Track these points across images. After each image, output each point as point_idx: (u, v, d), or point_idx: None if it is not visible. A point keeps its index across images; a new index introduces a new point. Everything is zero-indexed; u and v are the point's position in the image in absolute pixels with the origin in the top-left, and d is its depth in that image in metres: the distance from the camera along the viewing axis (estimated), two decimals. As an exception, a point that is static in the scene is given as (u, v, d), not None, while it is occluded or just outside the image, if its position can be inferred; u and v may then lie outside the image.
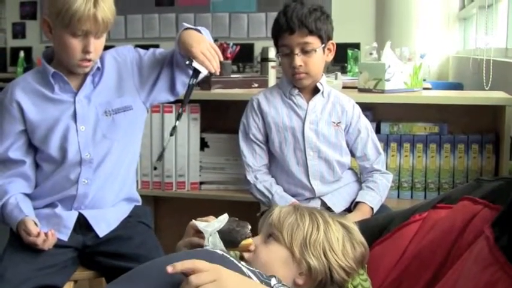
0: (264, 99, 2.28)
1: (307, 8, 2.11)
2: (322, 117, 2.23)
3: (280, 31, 2.14)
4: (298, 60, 2.12)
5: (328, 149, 2.22)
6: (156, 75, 2.04)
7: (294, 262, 1.36)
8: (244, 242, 1.39)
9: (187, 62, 1.92)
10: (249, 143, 2.29)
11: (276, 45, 2.21)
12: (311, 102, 2.23)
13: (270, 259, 1.37)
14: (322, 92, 2.24)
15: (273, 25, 2.19)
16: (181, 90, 2.08)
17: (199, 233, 1.41)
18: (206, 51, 1.89)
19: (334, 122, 2.23)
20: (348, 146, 2.27)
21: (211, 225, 1.39)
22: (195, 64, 1.90)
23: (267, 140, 2.29)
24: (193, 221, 1.44)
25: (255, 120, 2.28)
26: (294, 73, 2.16)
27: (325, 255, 1.36)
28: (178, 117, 1.95)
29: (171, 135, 1.97)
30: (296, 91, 2.24)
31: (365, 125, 2.29)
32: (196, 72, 1.94)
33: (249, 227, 1.42)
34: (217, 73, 1.97)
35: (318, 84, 2.22)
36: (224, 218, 1.42)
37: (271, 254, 1.38)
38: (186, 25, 1.98)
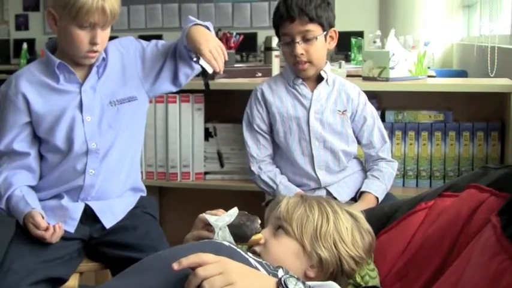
0: (268, 89, 2.27)
1: None
2: (327, 106, 2.21)
3: (281, 20, 2.13)
4: (300, 48, 2.11)
5: (333, 138, 2.21)
6: (160, 67, 2.05)
7: (305, 255, 1.36)
8: (254, 237, 1.38)
9: (194, 59, 1.95)
10: (253, 134, 2.28)
11: (278, 34, 2.20)
12: (315, 91, 2.21)
13: (282, 253, 1.36)
14: (327, 80, 2.22)
15: (273, 14, 2.19)
16: (183, 81, 2.09)
17: (208, 226, 1.39)
18: (214, 50, 1.89)
19: (339, 111, 2.22)
20: (353, 134, 2.26)
21: (221, 220, 1.38)
22: (201, 62, 1.92)
23: (272, 130, 2.28)
24: (203, 214, 1.42)
25: (259, 110, 2.27)
26: (295, 62, 2.14)
27: (335, 247, 1.35)
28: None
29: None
30: (300, 80, 2.22)
31: (371, 113, 2.27)
32: (203, 69, 1.95)
33: (259, 221, 1.40)
34: (221, 72, 1.98)
35: (322, 72, 2.21)
36: (234, 212, 1.40)
37: (282, 247, 1.36)
38: (193, 19, 1.99)
